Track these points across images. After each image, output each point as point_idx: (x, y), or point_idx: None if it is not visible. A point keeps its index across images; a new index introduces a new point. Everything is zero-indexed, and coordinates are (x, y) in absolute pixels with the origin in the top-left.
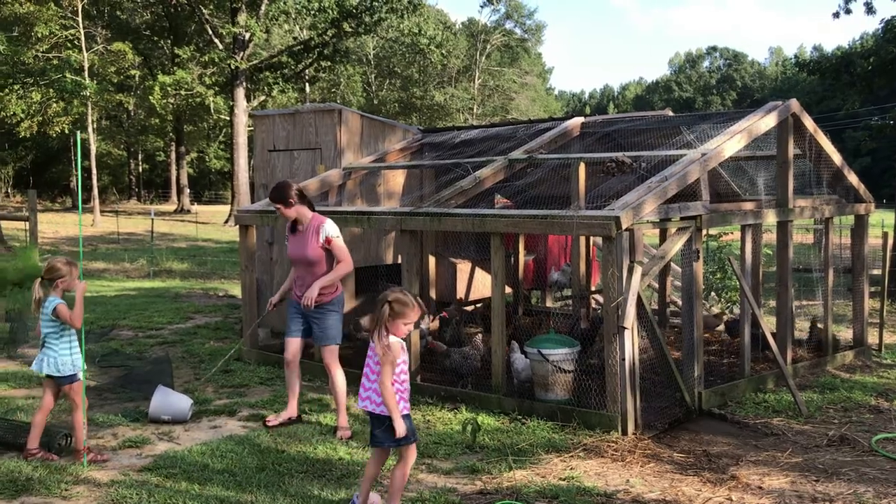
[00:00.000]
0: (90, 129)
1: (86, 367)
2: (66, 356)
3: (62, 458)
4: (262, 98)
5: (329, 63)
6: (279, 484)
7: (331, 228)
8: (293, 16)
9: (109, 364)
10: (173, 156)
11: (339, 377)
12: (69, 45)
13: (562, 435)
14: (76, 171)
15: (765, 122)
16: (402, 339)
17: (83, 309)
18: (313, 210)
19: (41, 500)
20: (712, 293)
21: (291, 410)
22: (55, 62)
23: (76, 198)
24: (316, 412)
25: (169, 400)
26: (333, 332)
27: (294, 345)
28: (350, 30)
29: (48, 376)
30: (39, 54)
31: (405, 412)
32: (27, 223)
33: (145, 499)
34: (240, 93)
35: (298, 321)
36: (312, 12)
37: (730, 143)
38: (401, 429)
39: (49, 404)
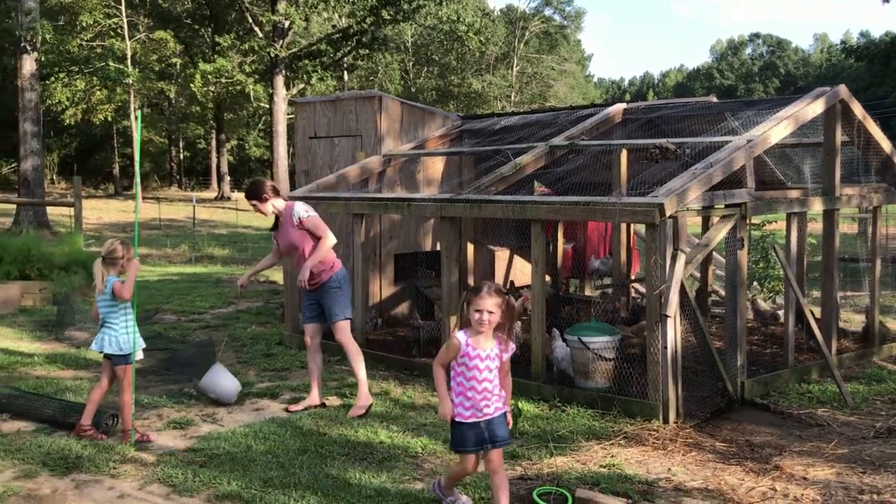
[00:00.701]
0: (132, 117)
1: (139, 349)
2: (124, 334)
3: (109, 437)
4: (301, 86)
5: (367, 51)
6: (321, 466)
7: (300, 209)
8: (332, 4)
9: (153, 347)
10: (214, 143)
11: (354, 352)
12: (112, 33)
13: (602, 423)
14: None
15: (812, 108)
16: (481, 330)
17: (133, 285)
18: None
19: (90, 478)
20: (755, 283)
21: (313, 398)
22: (99, 51)
23: (118, 184)
24: (356, 396)
25: (221, 380)
26: (338, 308)
27: (310, 329)
28: (388, 17)
29: (107, 356)
30: (84, 43)
31: (462, 418)
32: (72, 209)
33: (190, 478)
34: (279, 81)
35: (311, 307)
36: (351, 0)
37: (776, 129)
38: (441, 411)
39: (107, 384)
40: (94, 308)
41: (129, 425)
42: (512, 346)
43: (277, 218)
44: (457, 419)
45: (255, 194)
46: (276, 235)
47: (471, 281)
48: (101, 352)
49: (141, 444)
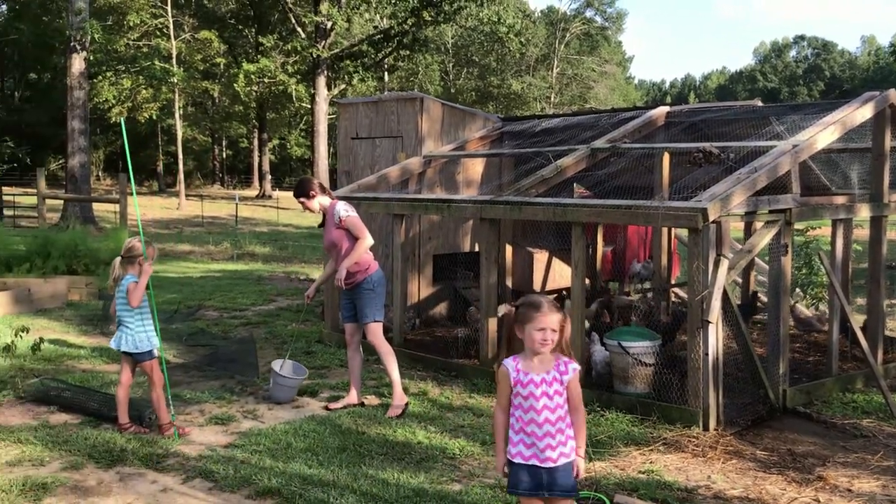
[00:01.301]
0: (176, 116)
1: (163, 344)
2: (141, 333)
3: (152, 431)
4: (343, 86)
5: (408, 52)
6: (359, 465)
7: (341, 209)
8: (374, 5)
9: (196, 343)
10: (256, 142)
11: (386, 353)
12: (158, 33)
13: (641, 428)
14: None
15: (860, 113)
16: (541, 351)
17: (143, 292)
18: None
19: (134, 471)
20: (797, 289)
21: (352, 396)
22: (145, 50)
23: (162, 181)
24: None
25: (286, 386)
26: (369, 310)
27: (349, 328)
28: (430, 18)
29: (125, 353)
30: (130, 42)
31: (520, 458)
32: (117, 205)
33: (231, 474)
34: (321, 81)
35: (347, 306)
36: (393, 1)
37: (822, 134)
38: (496, 464)
39: (128, 380)
40: (113, 306)
41: (165, 419)
42: (574, 364)
43: (323, 214)
44: (512, 458)
45: (303, 192)
46: (323, 232)
47: (509, 282)
48: (119, 349)
49: (181, 437)
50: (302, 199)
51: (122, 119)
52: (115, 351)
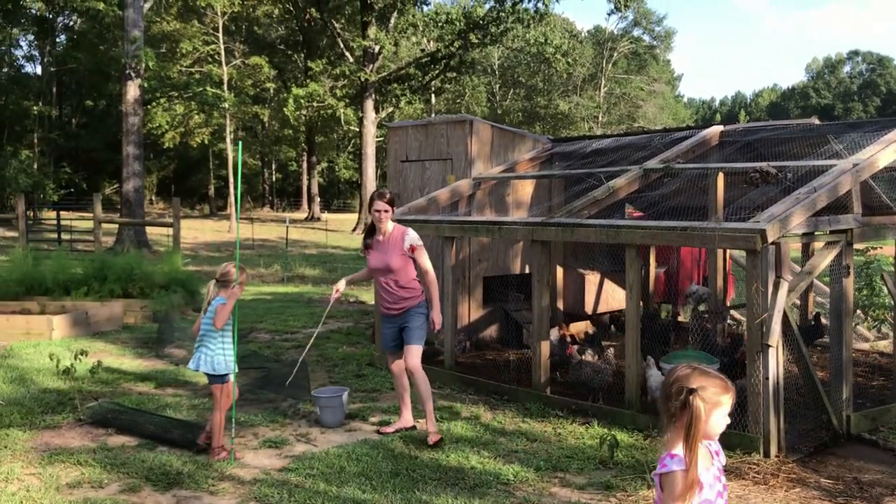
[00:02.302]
0: (228, 140)
1: (237, 369)
2: (220, 356)
3: (205, 454)
4: (390, 109)
5: (455, 74)
6: (413, 490)
7: (414, 237)
8: (421, 28)
9: (248, 366)
10: (305, 165)
11: (423, 380)
12: (210, 59)
13: None
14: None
15: None
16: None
17: (228, 314)
18: None
19: (190, 494)
20: (857, 310)
21: (405, 420)
22: (197, 76)
23: (213, 205)
24: (447, 420)
25: (330, 407)
26: (420, 332)
27: (392, 357)
28: (476, 41)
29: (207, 375)
30: (183, 69)
31: None
32: (171, 229)
33: (286, 498)
34: (369, 104)
35: (392, 334)
36: (440, 24)
37: (884, 152)
38: None
39: (222, 401)
40: (197, 324)
41: (218, 443)
42: (719, 453)
43: (371, 233)
44: None
45: (392, 203)
46: (370, 252)
47: (560, 305)
48: (198, 370)
49: (236, 461)
50: (387, 210)
51: (239, 143)
52: (189, 372)
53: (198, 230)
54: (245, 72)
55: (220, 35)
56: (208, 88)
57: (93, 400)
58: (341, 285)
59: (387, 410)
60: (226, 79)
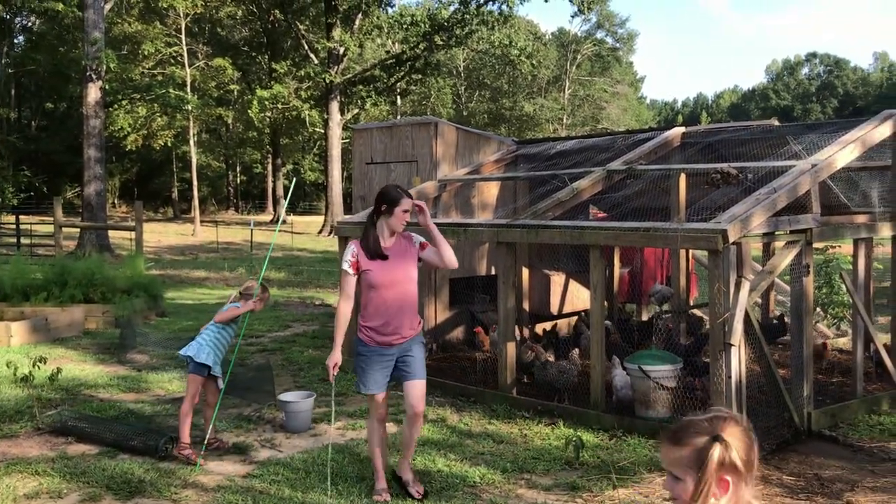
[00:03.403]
0: (191, 142)
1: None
2: (208, 347)
3: (168, 460)
4: (356, 111)
5: (420, 76)
6: None
7: (418, 236)
8: (386, 30)
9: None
10: (270, 168)
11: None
12: (173, 61)
13: None
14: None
15: (879, 131)
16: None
17: (234, 318)
18: None
19: (153, 502)
20: (818, 309)
21: (382, 482)
22: (160, 78)
23: (177, 208)
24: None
25: (298, 412)
26: (423, 364)
27: (382, 398)
28: (441, 43)
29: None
30: (145, 71)
31: None
32: (134, 233)
33: None
34: (334, 106)
35: (386, 370)
36: (405, 26)
37: (842, 153)
38: None
39: (208, 398)
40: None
41: (185, 438)
42: None
43: (370, 244)
44: None
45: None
46: (372, 266)
47: (526, 306)
48: (185, 354)
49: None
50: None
51: (292, 179)
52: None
53: (161, 233)
54: (208, 73)
55: (183, 36)
56: (171, 90)
57: (52, 408)
58: (338, 357)
59: (353, 415)
60: (189, 80)
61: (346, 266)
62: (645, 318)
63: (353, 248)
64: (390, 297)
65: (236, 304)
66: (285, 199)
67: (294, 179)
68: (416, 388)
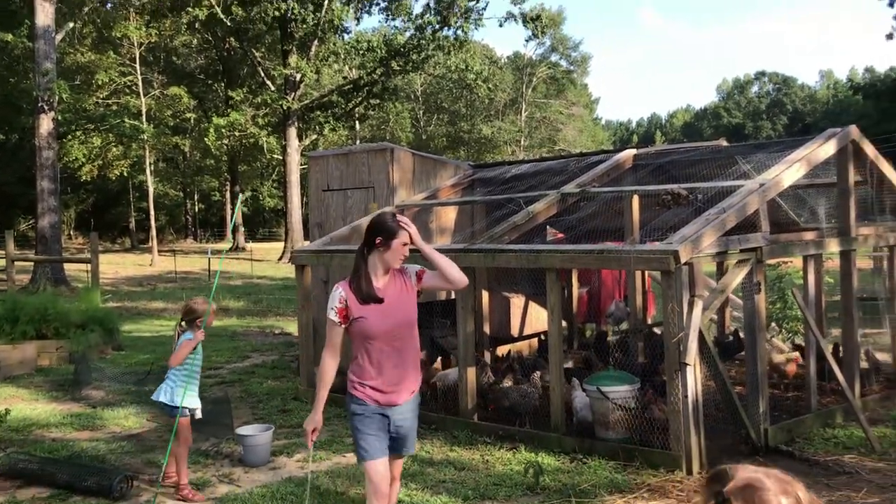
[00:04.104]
0: (147, 172)
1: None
2: (179, 388)
3: (125, 501)
4: (314, 137)
5: (378, 101)
6: None
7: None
8: (342, 56)
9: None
10: (228, 195)
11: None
12: (127, 90)
13: (625, 475)
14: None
15: (824, 149)
16: None
17: (184, 354)
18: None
19: None
20: (773, 324)
21: None
22: (114, 108)
23: (134, 238)
24: None
25: (256, 446)
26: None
27: (382, 464)
28: (398, 68)
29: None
30: (99, 101)
31: None
32: (89, 265)
33: None
34: (292, 132)
35: (383, 435)
36: (361, 52)
37: (788, 172)
38: None
39: (189, 439)
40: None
41: (182, 480)
42: None
43: (361, 283)
44: None
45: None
46: (369, 313)
47: (486, 329)
48: (157, 400)
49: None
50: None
51: (237, 200)
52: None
53: (119, 264)
54: (164, 102)
55: (138, 65)
56: (126, 120)
57: (0, 450)
58: (319, 419)
59: (314, 446)
60: (144, 110)
61: (332, 315)
62: (611, 337)
63: (340, 293)
64: (389, 348)
65: (187, 335)
66: (231, 221)
67: (239, 200)
68: (400, 464)
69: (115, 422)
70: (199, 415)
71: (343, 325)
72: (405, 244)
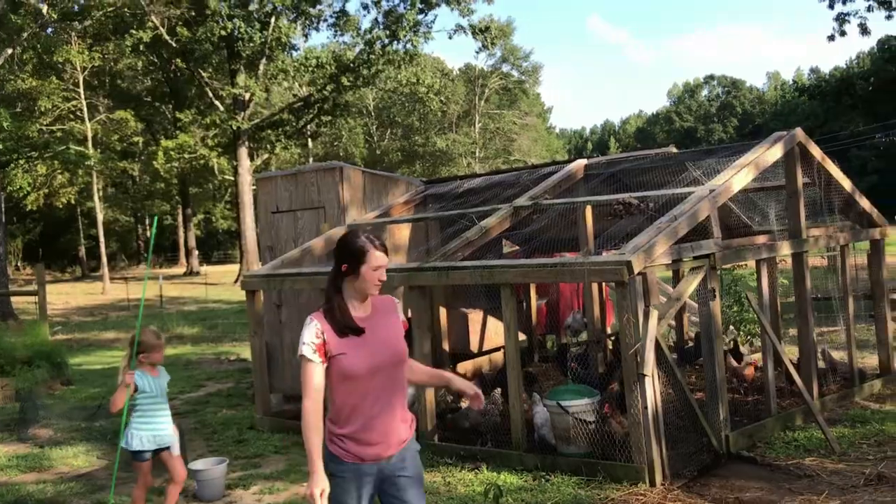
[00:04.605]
0: (96, 198)
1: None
2: (134, 431)
3: None
4: (266, 156)
5: (330, 117)
6: None
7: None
8: (292, 74)
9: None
10: (180, 218)
11: None
12: (72, 116)
13: (588, 490)
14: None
15: (771, 153)
16: None
17: (122, 398)
18: None
19: None
20: (730, 327)
21: None
22: (59, 134)
23: (85, 267)
24: None
25: (209, 480)
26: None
27: None
28: (349, 83)
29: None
30: (43, 128)
31: None
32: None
33: None
34: (243, 152)
35: (371, 492)
36: (311, 69)
37: (738, 177)
38: None
39: (171, 475)
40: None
41: None
42: None
43: (341, 320)
44: None
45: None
46: (349, 348)
47: (445, 346)
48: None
49: None
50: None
51: (153, 224)
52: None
53: (69, 294)
54: (111, 126)
55: (82, 90)
56: (71, 146)
57: None
58: (323, 480)
59: (269, 477)
60: (90, 135)
61: (308, 351)
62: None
63: (316, 326)
64: (373, 388)
65: (138, 374)
66: (149, 250)
67: (155, 224)
68: None
69: (63, 461)
70: (175, 451)
71: (324, 364)
72: (377, 268)
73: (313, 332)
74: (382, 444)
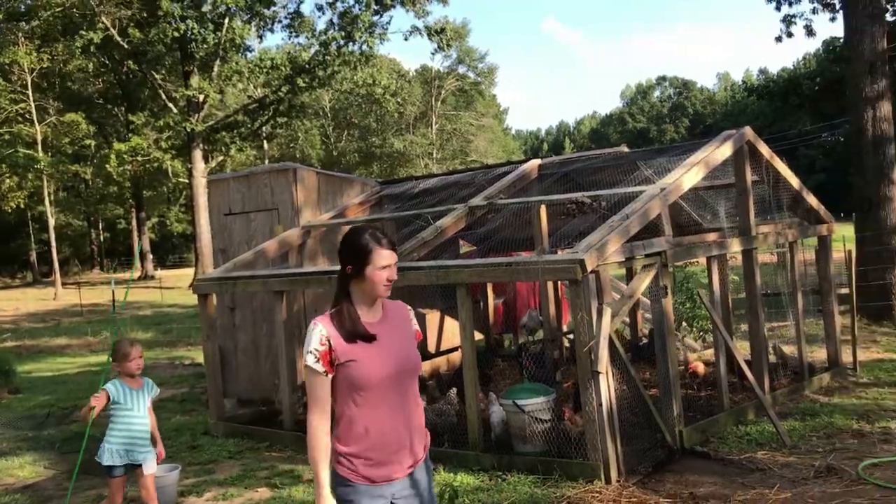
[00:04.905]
0: (47, 202)
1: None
2: (104, 444)
3: None
4: (221, 158)
5: (285, 119)
6: None
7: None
8: (246, 75)
9: (71, 450)
10: (134, 222)
11: None
12: (20, 119)
13: (544, 489)
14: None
15: (721, 151)
16: None
17: (89, 416)
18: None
19: None
20: (683, 323)
21: None
22: (6, 137)
23: (36, 272)
24: (288, 485)
25: (166, 489)
26: None
27: None
28: (304, 85)
29: None
30: None
31: None
32: None
33: None
34: (197, 155)
35: None
36: (265, 70)
37: (688, 175)
38: None
39: (142, 493)
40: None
41: None
42: None
43: (349, 326)
44: None
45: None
46: (359, 355)
47: None
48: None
49: None
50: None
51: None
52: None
53: (19, 300)
54: (61, 129)
55: (30, 92)
56: (19, 150)
57: None
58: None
59: (223, 483)
60: (39, 138)
61: (312, 361)
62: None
63: (321, 331)
64: (384, 400)
65: (108, 384)
66: (137, 249)
67: (139, 248)
68: None
69: (8, 472)
70: (150, 469)
71: (329, 374)
72: (384, 267)
73: (318, 339)
74: (394, 463)
